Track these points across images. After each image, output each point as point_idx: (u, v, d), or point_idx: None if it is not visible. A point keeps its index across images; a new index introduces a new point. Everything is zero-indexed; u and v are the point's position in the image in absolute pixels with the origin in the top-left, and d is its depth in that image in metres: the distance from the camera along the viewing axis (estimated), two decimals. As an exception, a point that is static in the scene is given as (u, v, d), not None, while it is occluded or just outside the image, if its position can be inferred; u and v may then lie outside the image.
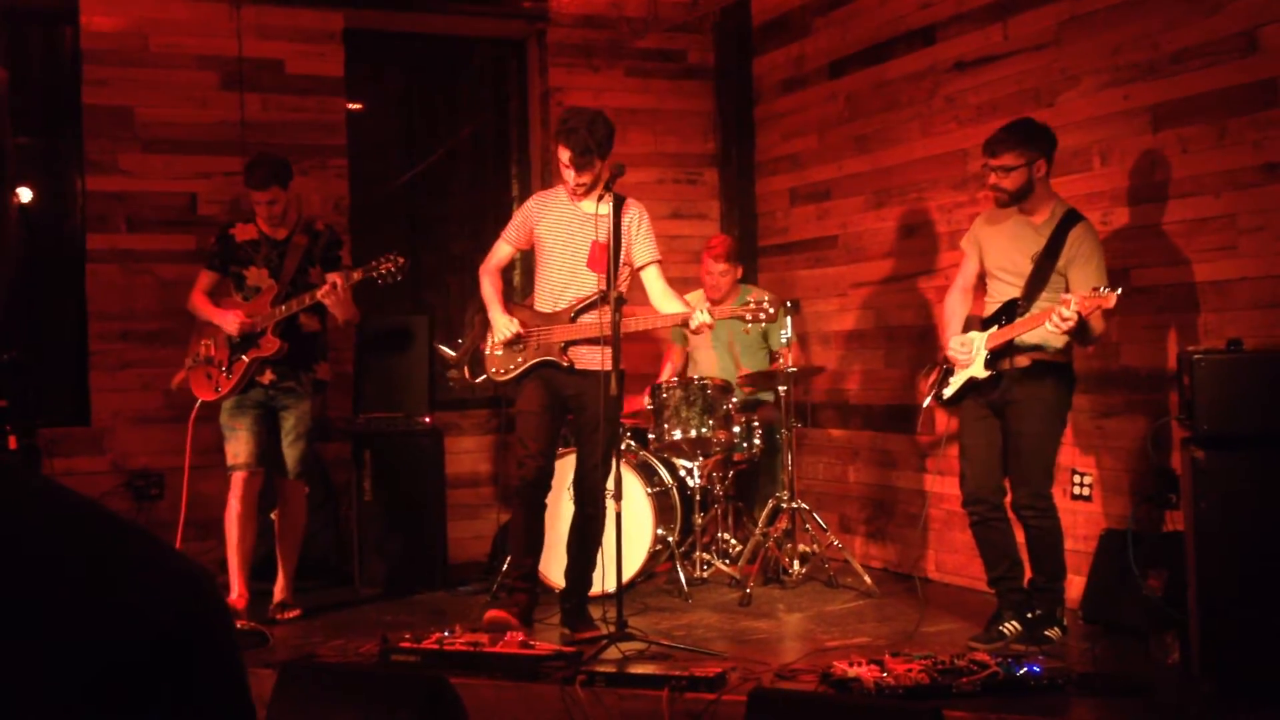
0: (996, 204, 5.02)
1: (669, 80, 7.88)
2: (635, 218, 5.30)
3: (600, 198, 5.18)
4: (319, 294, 5.50)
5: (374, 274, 5.52)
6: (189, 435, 5.72)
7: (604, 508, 5.28)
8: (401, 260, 5.53)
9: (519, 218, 5.51)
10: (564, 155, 5.19)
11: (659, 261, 5.35)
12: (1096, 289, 4.57)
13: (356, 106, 7.46)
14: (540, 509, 5.39)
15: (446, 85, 7.87)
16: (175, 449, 5.96)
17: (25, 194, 6.86)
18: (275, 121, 6.98)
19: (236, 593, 5.74)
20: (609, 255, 5.13)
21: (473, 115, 7.90)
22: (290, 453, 5.76)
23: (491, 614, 5.20)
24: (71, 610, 0.79)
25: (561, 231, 5.32)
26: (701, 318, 5.07)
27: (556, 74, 7.63)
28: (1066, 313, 4.52)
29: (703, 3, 7.66)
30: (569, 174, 5.22)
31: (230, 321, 5.63)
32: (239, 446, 5.71)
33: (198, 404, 5.75)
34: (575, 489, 5.42)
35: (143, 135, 6.76)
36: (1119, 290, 4.51)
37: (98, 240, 6.73)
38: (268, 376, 5.68)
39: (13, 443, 5.50)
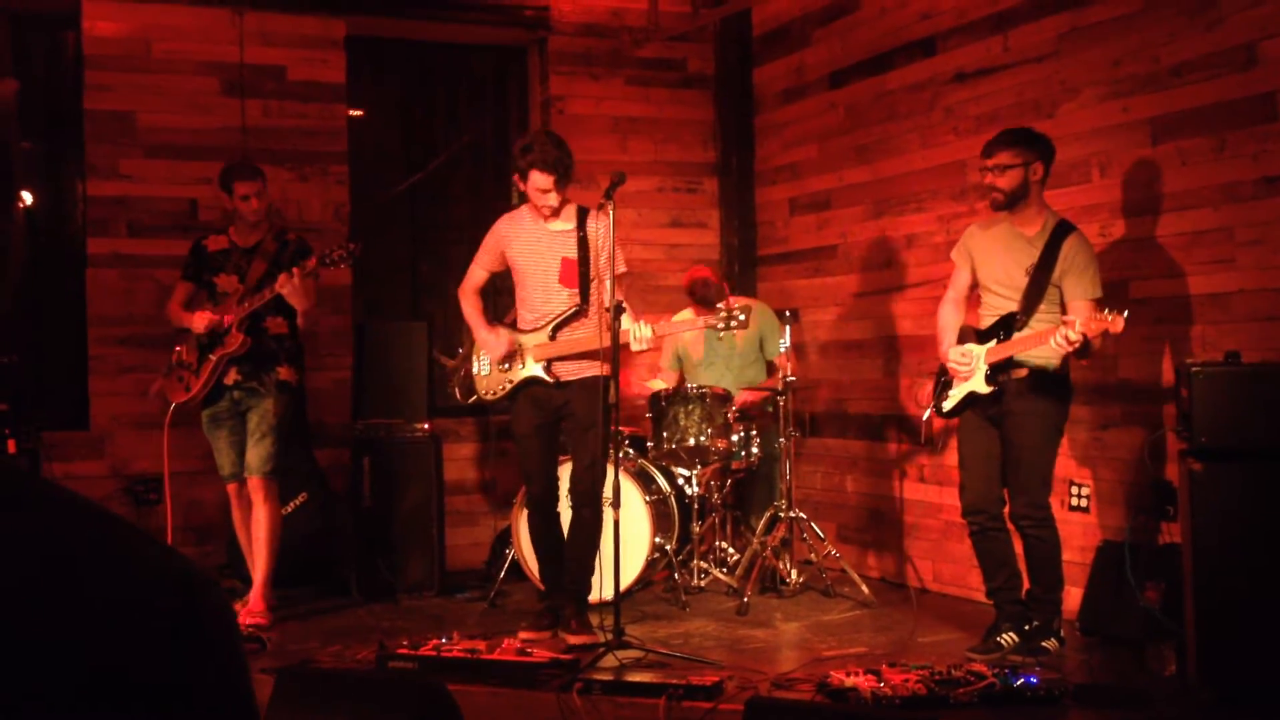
0: (992, 206, 5.02)
1: (669, 89, 7.89)
2: (603, 227, 5.34)
3: (599, 206, 5.26)
4: (276, 286, 5.57)
5: (327, 260, 5.61)
6: (165, 441, 5.80)
7: (600, 510, 5.34)
8: (353, 246, 5.63)
9: (490, 241, 5.60)
10: (543, 181, 5.25)
11: (625, 274, 5.44)
12: (1102, 310, 4.56)
13: (358, 113, 7.48)
14: (553, 517, 5.59)
15: (447, 92, 7.88)
16: (174, 454, 5.96)
17: (26, 198, 6.87)
18: (276, 127, 6.99)
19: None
20: (593, 266, 5.25)
21: (473, 123, 7.91)
22: (255, 451, 5.76)
23: (524, 635, 5.25)
24: (72, 610, 0.80)
25: (531, 252, 5.44)
26: (641, 332, 5.09)
27: (557, 82, 7.64)
28: (1073, 335, 4.51)
29: (704, 12, 7.67)
30: (549, 198, 5.30)
31: (197, 322, 5.72)
32: (221, 459, 5.85)
33: (171, 407, 5.82)
34: (571, 492, 5.49)
35: (144, 140, 6.77)
36: (1125, 314, 4.50)
37: (98, 245, 6.74)
38: (232, 376, 5.74)
39: (12, 446, 5.51)
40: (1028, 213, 4.95)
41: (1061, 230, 4.90)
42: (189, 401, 5.79)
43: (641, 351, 5.24)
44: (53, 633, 0.78)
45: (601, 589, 5.26)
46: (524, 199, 5.51)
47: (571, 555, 5.47)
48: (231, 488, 5.88)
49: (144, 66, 6.78)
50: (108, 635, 0.80)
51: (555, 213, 5.37)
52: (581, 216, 5.39)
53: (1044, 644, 4.95)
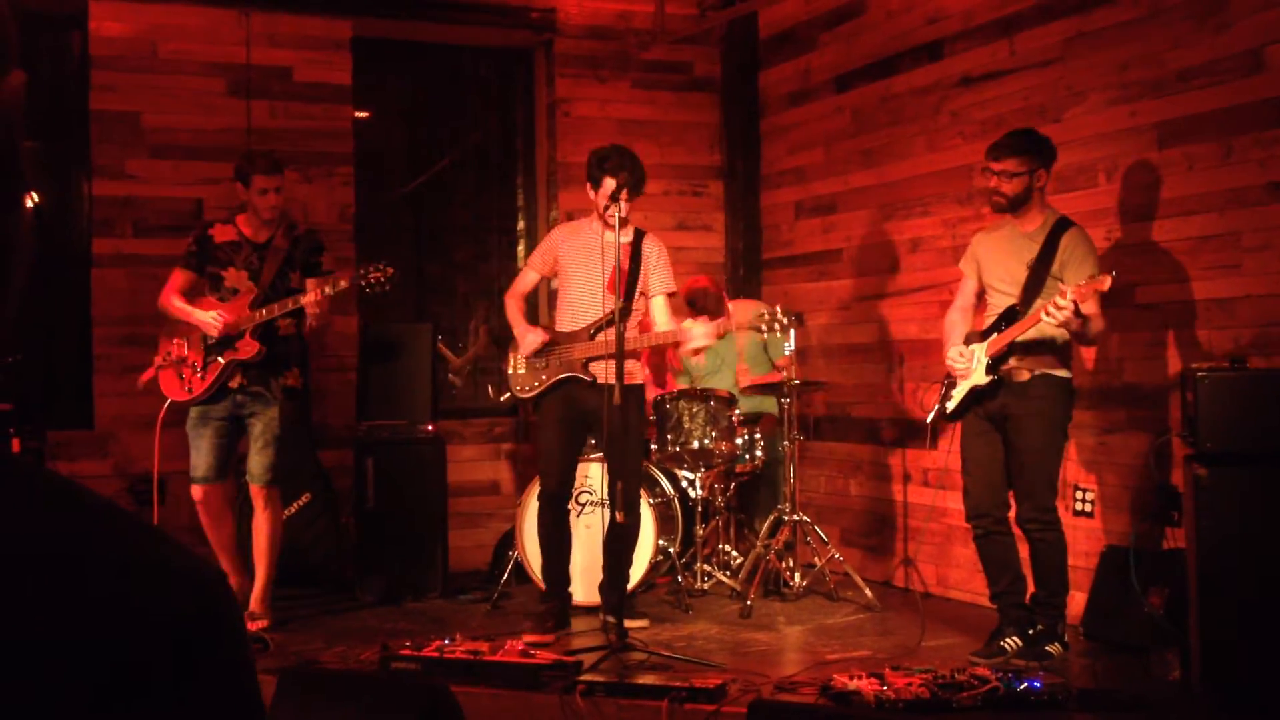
0: (994, 209, 5.05)
1: (675, 92, 7.90)
2: (655, 250, 5.60)
3: (604, 209, 5.33)
4: (304, 300, 5.39)
5: (362, 283, 5.43)
6: (157, 437, 5.67)
7: (639, 515, 5.54)
8: (390, 270, 5.47)
9: (545, 245, 5.77)
10: (615, 186, 5.36)
11: (671, 294, 5.63)
12: (1091, 276, 4.59)
13: (363, 115, 7.48)
14: (563, 515, 5.68)
15: (453, 94, 7.89)
16: (177, 454, 5.95)
17: (32, 197, 6.87)
18: (282, 128, 7.00)
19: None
20: (625, 277, 5.39)
21: (479, 125, 7.92)
22: (258, 459, 5.61)
23: (528, 638, 5.26)
24: (78, 608, 0.79)
25: (584, 257, 5.55)
26: (697, 329, 5.27)
27: (563, 85, 7.64)
28: (1062, 302, 4.54)
29: (710, 15, 7.68)
30: (621, 204, 5.34)
31: (212, 323, 5.49)
32: (198, 459, 5.62)
33: (166, 404, 5.65)
34: (611, 499, 5.54)
35: (150, 141, 6.78)
36: (1113, 273, 4.51)
37: (103, 245, 6.74)
38: (237, 380, 5.55)
39: (16, 445, 5.50)
40: (1029, 213, 4.97)
41: (1061, 225, 4.92)
42: (188, 402, 5.61)
43: (700, 349, 5.51)
44: (58, 631, 0.78)
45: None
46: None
47: (610, 557, 5.50)
48: (198, 492, 5.61)
49: (150, 67, 6.78)
50: (113, 633, 0.80)
51: (623, 223, 5.40)
52: (639, 236, 5.60)
53: (1048, 648, 4.95)
